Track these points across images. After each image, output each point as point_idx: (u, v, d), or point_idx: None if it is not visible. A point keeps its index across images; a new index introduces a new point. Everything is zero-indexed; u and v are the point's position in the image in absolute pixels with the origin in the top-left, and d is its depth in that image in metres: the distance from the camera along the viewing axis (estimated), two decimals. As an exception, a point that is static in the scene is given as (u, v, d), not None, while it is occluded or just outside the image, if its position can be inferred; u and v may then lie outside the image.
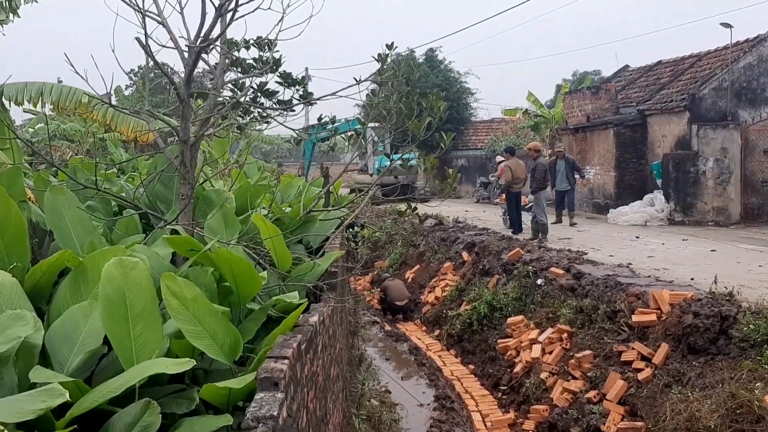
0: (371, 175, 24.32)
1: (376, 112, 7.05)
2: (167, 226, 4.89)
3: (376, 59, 6.91)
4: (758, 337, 6.08)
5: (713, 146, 15.41)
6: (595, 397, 7.45)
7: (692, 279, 8.87)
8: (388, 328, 13.45)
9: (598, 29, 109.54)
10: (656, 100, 17.79)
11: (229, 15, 5.05)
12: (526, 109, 24.77)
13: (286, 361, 2.81)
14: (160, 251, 4.45)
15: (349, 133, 7.78)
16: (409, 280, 15.66)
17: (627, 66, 23.54)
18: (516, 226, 14.69)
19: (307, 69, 27.29)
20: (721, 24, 15.15)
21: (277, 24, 5.63)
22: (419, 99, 6.60)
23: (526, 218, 14.83)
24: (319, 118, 7.35)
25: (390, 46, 6.67)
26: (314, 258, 5.84)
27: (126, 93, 26.21)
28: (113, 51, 5.07)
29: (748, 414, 5.39)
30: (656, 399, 6.75)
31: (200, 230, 5.29)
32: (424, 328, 13.38)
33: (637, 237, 13.63)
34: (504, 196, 15.28)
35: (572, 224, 15.89)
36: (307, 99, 6.31)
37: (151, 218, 5.81)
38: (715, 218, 15.51)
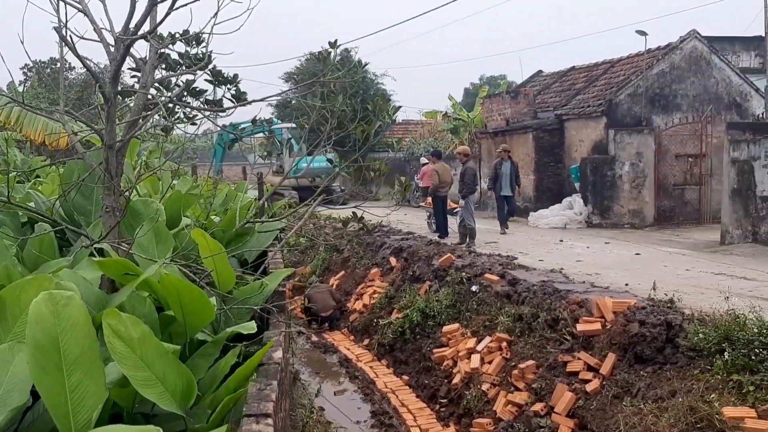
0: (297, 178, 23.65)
1: (299, 112, 6.63)
2: (93, 245, 4.23)
3: (317, 58, 6.47)
4: (709, 346, 6.04)
5: (629, 151, 15.85)
6: (542, 410, 7.27)
7: (627, 284, 8.91)
8: (314, 338, 12.92)
9: (503, 35, 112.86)
10: (573, 105, 18.17)
11: (166, 4, 4.45)
12: (446, 112, 24.82)
13: (270, 421, 2.33)
14: (87, 275, 3.80)
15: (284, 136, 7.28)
16: (334, 286, 15.18)
17: (540, 71, 24.02)
18: (442, 230, 14.55)
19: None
20: (637, 32, 15.62)
21: (212, 18, 5.07)
22: (364, 103, 6.22)
23: (452, 222, 14.73)
24: (254, 120, 6.82)
25: (333, 45, 6.24)
26: (255, 276, 5.31)
27: (20, 89, 24.25)
28: (23, 42, 4.37)
29: (708, 428, 5.31)
30: (606, 411, 6.63)
31: (128, 247, 4.65)
32: (352, 337, 12.94)
33: (561, 240, 13.77)
34: (430, 199, 15.10)
35: (503, 232, 15.20)
36: (241, 99, 5.78)
37: (67, 234, 5.10)
38: (630, 221, 15.97)
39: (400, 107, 8.03)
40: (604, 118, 16.38)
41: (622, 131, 15.92)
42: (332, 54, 6.21)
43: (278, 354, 3.41)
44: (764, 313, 6.07)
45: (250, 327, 3.63)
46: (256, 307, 4.50)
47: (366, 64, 6.72)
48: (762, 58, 20.65)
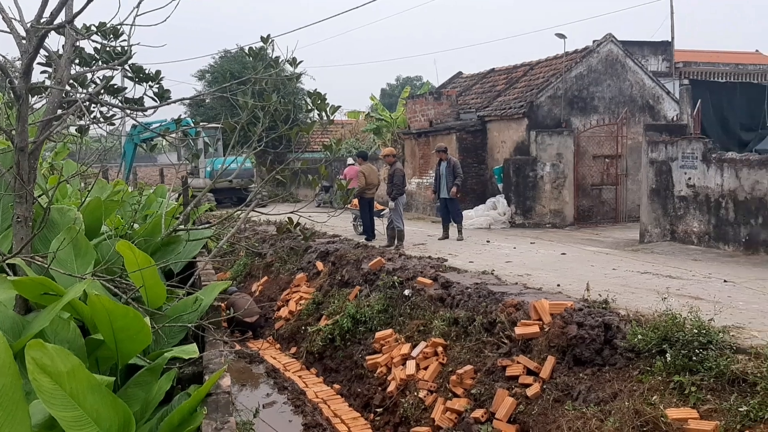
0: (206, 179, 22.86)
1: (214, 112, 6.25)
2: (5, 261, 3.71)
3: (248, 55, 6.10)
4: (649, 347, 6.07)
5: (550, 152, 16.16)
6: (482, 416, 7.15)
7: (558, 285, 8.95)
8: (238, 347, 12.39)
9: (419, 37, 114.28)
10: (495, 107, 18.38)
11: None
12: (368, 113, 24.63)
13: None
14: (0, 297, 3.30)
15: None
16: (257, 293, 14.67)
17: (460, 73, 24.24)
18: (369, 232, 14.34)
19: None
20: (556, 35, 15.93)
21: (135, 9, 4.61)
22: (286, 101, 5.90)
23: (379, 224, 14.54)
24: (178, 120, 6.37)
25: (266, 40, 5.89)
26: (185, 289, 4.89)
27: None
28: None
29: (654, 431, 5.30)
30: (548, 416, 6.57)
31: (42, 261, 4.14)
32: (278, 345, 12.51)
33: (488, 241, 13.83)
34: (356, 201, 14.84)
35: (459, 239, 14.01)
36: (165, 98, 5.34)
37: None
38: (552, 220, 16.28)
39: (339, 107, 7.76)
40: (525, 119, 16.64)
41: (543, 133, 16.21)
42: (264, 50, 5.88)
43: (226, 381, 3.06)
44: (701, 313, 6.15)
45: (191, 351, 3.24)
46: (190, 325, 4.11)
47: (300, 62, 6.45)
48: (669, 62, 21.63)
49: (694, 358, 5.66)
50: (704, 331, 5.77)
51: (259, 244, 16.35)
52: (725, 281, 8.81)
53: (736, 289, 8.36)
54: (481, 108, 18.97)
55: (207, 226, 5.90)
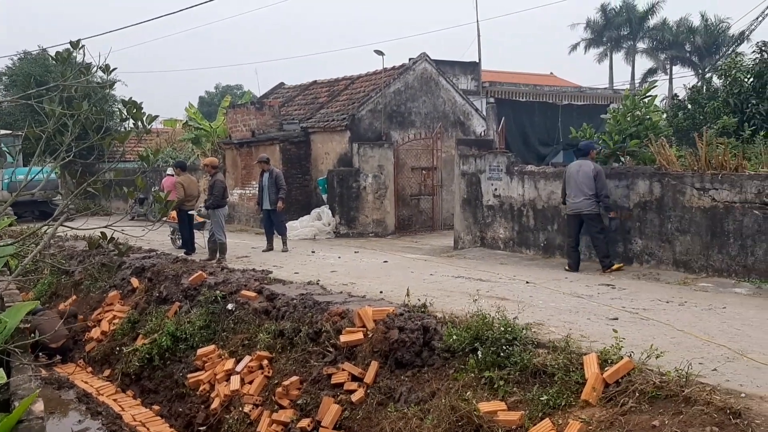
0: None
1: (12, 118, 5.79)
2: None
3: (54, 59, 5.71)
4: (463, 346, 6.47)
5: (372, 163, 16.68)
6: (309, 425, 7.18)
7: (381, 292, 9.24)
8: (45, 373, 11.32)
9: (240, 46, 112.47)
10: (318, 119, 18.62)
11: None
12: (186, 121, 23.75)
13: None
14: None
15: None
16: (65, 313, 13.52)
17: (282, 83, 24.26)
18: (189, 246, 13.84)
19: None
20: (375, 51, 16.54)
21: None
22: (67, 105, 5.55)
23: (200, 237, 14.08)
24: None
25: (75, 45, 5.51)
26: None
27: None
28: None
29: (468, 424, 5.65)
30: (372, 419, 6.76)
31: None
32: (90, 369, 11.63)
33: (313, 252, 13.94)
34: (174, 214, 14.24)
35: (284, 250, 14.06)
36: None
37: None
38: (374, 230, 16.80)
39: (156, 116, 7.37)
40: (348, 131, 17.05)
41: (365, 145, 16.70)
42: (73, 54, 5.50)
43: (39, 407, 2.80)
44: (507, 312, 6.68)
45: (-6, 378, 2.93)
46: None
47: (113, 69, 6.03)
48: (477, 82, 23.27)
49: (502, 354, 6.13)
50: (510, 329, 6.27)
51: (67, 261, 15.10)
52: (527, 282, 9.64)
53: (536, 289, 9.18)
54: (305, 119, 19.12)
55: (9, 243, 5.35)
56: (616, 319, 7.25)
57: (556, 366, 5.71)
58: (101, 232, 5.55)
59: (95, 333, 12.15)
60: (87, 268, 14.37)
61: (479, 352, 6.24)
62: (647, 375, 5.21)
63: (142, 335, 10.83)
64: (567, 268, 10.65)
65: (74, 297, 13.88)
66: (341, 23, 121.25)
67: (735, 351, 5.95)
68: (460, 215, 13.72)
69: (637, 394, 5.03)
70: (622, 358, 5.47)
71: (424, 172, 17.79)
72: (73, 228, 5.38)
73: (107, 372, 11.11)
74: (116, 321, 11.92)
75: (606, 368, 5.41)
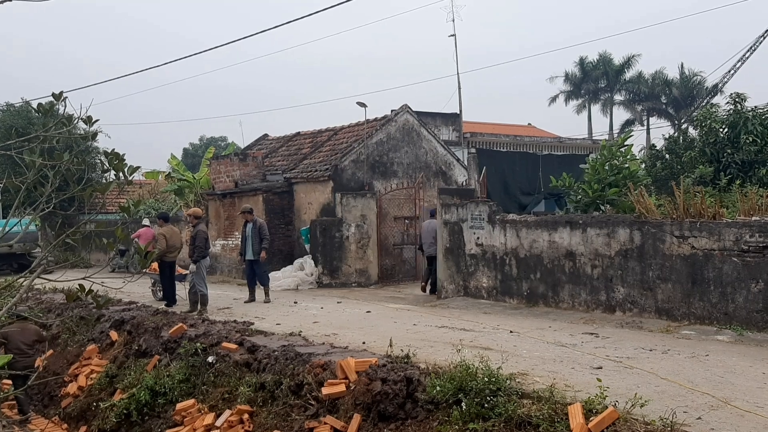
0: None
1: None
2: None
3: (36, 111, 5.73)
4: (447, 398, 6.38)
5: (354, 213, 16.73)
6: (290, 482, 7.00)
7: (364, 343, 9.14)
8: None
9: (224, 98, 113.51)
10: (301, 169, 18.72)
11: None
12: (169, 173, 23.76)
13: None
14: None
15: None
16: (40, 369, 13.19)
17: (266, 135, 24.46)
18: (170, 298, 13.67)
19: None
20: (357, 103, 16.75)
21: None
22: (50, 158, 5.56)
23: (181, 289, 13.92)
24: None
25: (58, 97, 5.55)
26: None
27: None
28: None
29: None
30: (356, 474, 6.60)
31: None
32: (65, 425, 11.30)
33: (296, 302, 13.82)
34: (155, 265, 14.09)
35: (267, 301, 13.82)
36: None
37: None
38: (357, 279, 16.73)
39: (138, 167, 7.36)
40: (330, 182, 17.15)
41: (347, 195, 16.78)
42: (56, 106, 5.52)
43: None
44: (490, 362, 6.62)
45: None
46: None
47: (95, 121, 6.06)
48: (458, 132, 23.64)
49: (486, 405, 6.05)
50: (494, 380, 6.21)
51: (44, 314, 14.82)
52: (511, 332, 9.59)
53: (520, 338, 9.13)
54: (288, 170, 19.22)
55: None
56: (600, 368, 7.22)
57: (540, 417, 5.64)
58: (79, 284, 5.48)
59: (72, 388, 11.86)
60: (65, 321, 14.10)
61: (463, 404, 6.16)
62: (632, 424, 5.17)
63: (120, 389, 10.59)
64: None
65: (51, 351, 13.57)
66: (323, 75, 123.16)
67: (719, 399, 5.93)
68: (443, 264, 13.71)
69: (623, 445, 4.98)
70: (606, 407, 5.43)
71: (406, 221, 17.86)
72: (51, 280, 5.31)
73: (83, 429, 10.81)
74: (94, 375, 11.66)
75: (591, 418, 5.36)
